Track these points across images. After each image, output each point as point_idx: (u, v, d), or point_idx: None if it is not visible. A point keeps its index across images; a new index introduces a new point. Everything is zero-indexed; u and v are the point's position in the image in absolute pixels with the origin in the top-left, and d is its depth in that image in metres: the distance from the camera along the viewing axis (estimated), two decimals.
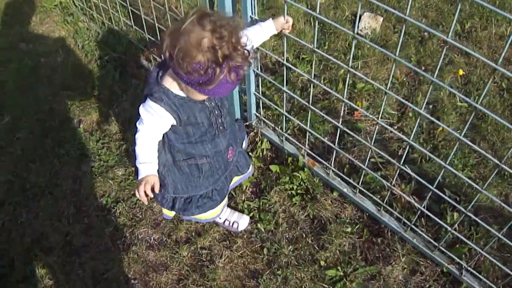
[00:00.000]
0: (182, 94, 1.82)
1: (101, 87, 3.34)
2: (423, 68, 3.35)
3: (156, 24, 2.89)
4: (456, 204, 2.13)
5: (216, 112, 1.98)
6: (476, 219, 2.10)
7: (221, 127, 2.04)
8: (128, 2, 3.13)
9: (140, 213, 2.72)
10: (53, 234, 2.69)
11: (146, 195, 1.89)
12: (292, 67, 2.40)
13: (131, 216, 2.71)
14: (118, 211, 2.73)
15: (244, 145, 2.45)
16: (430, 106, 3.09)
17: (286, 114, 2.62)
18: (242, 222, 2.61)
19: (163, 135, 1.99)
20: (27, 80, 3.50)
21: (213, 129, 2.01)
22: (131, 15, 3.23)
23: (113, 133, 3.10)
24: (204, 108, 1.92)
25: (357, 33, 3.39)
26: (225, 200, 2.42)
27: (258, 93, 2.69)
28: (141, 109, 1.88)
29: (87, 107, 3.25)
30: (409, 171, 2.30)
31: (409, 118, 3.00)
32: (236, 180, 2.47)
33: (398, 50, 1.77)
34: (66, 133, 3.11)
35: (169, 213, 2.40)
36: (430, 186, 2.11)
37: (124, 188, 2.82)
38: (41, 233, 2.70)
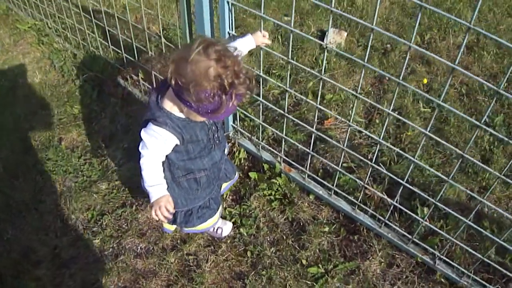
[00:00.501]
0: (183, 116, 1.94)
1: (79, 106, 3.43)
2: (387, 78, 3.55)
3: (134, 44, 3.03)
4: (427, 197, 2.31)
5: (213, 128, 2.12)
6: (446, 208, 2.29)
7: (217, 141, 2.18)
8: (105, 23, 3.25)
9: (125, 224, 2.82)
10: (40, 247, 2.75)
11: (165, 216, 2.00)
12: (267, 78, 2.56)
13: (117, 227, 2.81)
14: (104, 223, 2.82)
15: (226, 151, 2.59)
16: (396, 112, 3.28)
17: (262, 123, 2.77)
18: (225, 228, 2.73)
19: None
20: (5, 100, 3.57)
21: (210, 143, 2.14)
22: (108, 35, 3.34)
23: (94, 149, 3.19)
24: (203, 126, 2.05)
25: (323, 47, 3.60)
26: (221, 207, 2.55)
27: None
28: (144, 134, 1.97)
29: (67, 125, 3.33)
30: (381, 168, 2.48)
31: (376, 124, 3.19)
32: (224, 186, 2.61)
33: (366, 56, 1.93)
34: (48, 151, 3.18)
35: (170, 227, 2.53)
36: (402, 181, 2.29)
37: (109, 201, 2.92)
38: (28, 247, 2.76)
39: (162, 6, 4.22)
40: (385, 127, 2.19)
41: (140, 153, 2.01)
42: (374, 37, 3.94)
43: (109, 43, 3.37)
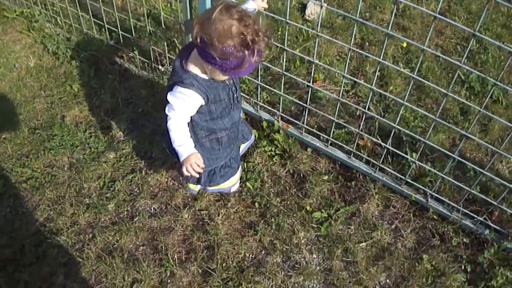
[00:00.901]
0: (206, 77, 2.12)
1: (78, 85, 3.56)
2: (367, 43, 3.80)
3: (132, 21, 3.19)
4: (417, 137, 2.55)
5: (233, 88, 2.30)
6: (434, 145, 2.53)
7: (236, 101, 2.36)
8: (100, 5, 3.40)
9: (137, 188, 3.00)
10: (58, 217, 2.88)
11: (196, 172, 2.17)
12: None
13: (129, 192, 2.98)
14: (116, 189, 2.98)
15: (241, 114, 2.78)
16: (378, 73, 3.53)
17: (261, 83, 2.98)
18: (236, 184, 2.91)
19: None
20: (2, 84, 3.67)
21: (230, 103, 2.32)
22: (104, 15, 3.49)
23: (97, 123, 3.34)
24: (225, 86, 2.23)
25: (305, 18, 3.83)
26: (240, 167, 2.75)
27: None
28: (171, 97, 2.14)
29: (68, 103, 3.47)
30: (372, 113, 2.71)
31: (359, 87, 3.43)
32: (243, 147, 2.81)
33: (358, 12, 2.14)
34: (53, 128, 3.31)
35: (195, 187, 2.72)
36: (393, 124, 2.54)
37: (118, 168, 3.08)
38: (46, 218, 2.90)
39: None
40: (374, 79, 2.41)
41: (167, 115, 2.17)
42: (352, 7, 4.18)
43: (105, 23, 3.51)
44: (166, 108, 2.18)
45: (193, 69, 2.11)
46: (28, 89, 3.62)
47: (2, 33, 4.13)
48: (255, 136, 2.97)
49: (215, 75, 2.08)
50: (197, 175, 2.22)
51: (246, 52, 1.87)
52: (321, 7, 2.42)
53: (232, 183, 2.73)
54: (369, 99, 2.62)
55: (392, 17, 2.16)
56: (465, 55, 2.12)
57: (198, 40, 1.89)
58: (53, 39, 3.84)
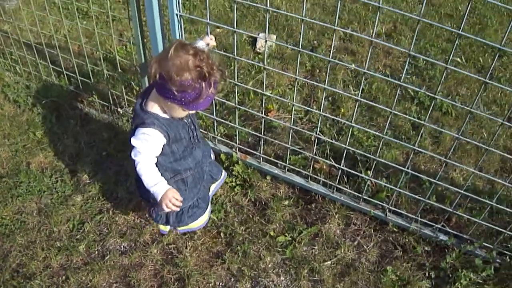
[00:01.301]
0: (166, 116, 2.24)
1: (41, 131, 3.64)
2: (317, 70, 3.97)
3: (89, 65, 3.31)
4: (368, 155, 2.71)
5: (191, 127, 2.42)
6: (387, 162, 2.68)
7: (196, 140, 2.50)
8: (58, 52, 3.51)
9: (105, 228, 3.08)
10: (30, 262, 2.93)
11: (176, 206, 2.24)
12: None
13: (98, 232, 3.06)
14: (86, 230, 3.06)
15: (212, 156, 2.89)
16: (330, 98, 3.70)
17: (217, 118, 3.11)
18: None
19: None
20: None
21: (191, 142, 2.45)
22: (61, 62, 3.60)
23: (63, 168, 3.42)
24: (184, 125, 2.35)
25: (256, 51, 3.99)
26: (209, 207, 2.86)
27: None
28: (134, 141, 2.23)
29: (32, 150, 3.54)
30: (325, 137, 2.86)
31: (313, 112, 3.58)
32: (213, 187, 2.92)
33: (300, 44, 2.30)
34: (19, 176, 3.37)
35: (165, 228, 2.81)
36: (344, 146, 2.69)
37: (86, 210, 3.16)
38: (18, 264, 2.94)
39: (100, 33, 4.45)
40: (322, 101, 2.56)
41: (134, 160, 2.26)
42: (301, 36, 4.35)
43: (63, 69, 3.61)
44: (132, 153, 2.27)
45: (153, 108, 2.23)
46: None
47: None
48: (226, 174, 3.07)
49: (174, 112, 2.20)
50: (177, 209, 2.29)
51: (203, 84, 2.02)
52: (266, 41, 2.56)
53: (201, 223, 2.82)
54: (319, 123, 2.78)
55: (333, 45, 2.30)
56: (405, 74, 2.27)
57: (157, 77, 2.03)
58: (13, 87, 3.92)
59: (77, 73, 3.53)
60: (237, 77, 3.84)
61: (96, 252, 2.97)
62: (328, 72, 2.46)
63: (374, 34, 2.18)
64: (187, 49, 2.01)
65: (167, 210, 2.23)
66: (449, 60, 2.07)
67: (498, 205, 2.62)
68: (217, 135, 3.24)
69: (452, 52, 2.07)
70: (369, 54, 2.31)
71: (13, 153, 3.57)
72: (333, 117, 2.83)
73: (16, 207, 3.23)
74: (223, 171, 2.99)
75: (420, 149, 2.60)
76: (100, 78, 3.60)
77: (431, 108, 2.39)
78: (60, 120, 3.70)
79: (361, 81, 3.74)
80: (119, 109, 3.48)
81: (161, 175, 2.33)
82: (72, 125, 3.64)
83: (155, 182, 2.26)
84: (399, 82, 2.26)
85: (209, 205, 2.87)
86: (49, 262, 2.94)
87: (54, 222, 3.11)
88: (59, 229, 3.08)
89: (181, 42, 2.05)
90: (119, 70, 3.35)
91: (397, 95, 2.41)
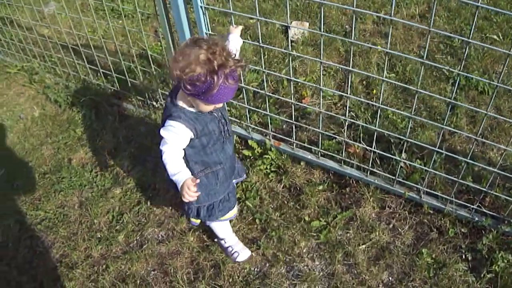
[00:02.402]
0: (194, 110, 2.27)
1: (81, 128, 3.76)
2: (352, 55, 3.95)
3: (124, 63, 3.39)
4: (400, 137, 2.68)
5: (222, 120, 2.43)
6: (418, 143, 2.65)
7: (227, 134, 2.49)
8: (93, 53, 3.61)
9: (144, 218, 3.15)
10: (72, 252, 3.05)
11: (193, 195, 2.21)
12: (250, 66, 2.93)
13: (136, 222, 3.14)
14: (125, 221, 3.14)
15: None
16: (364, 82, 3.68)
17: (250, 107, 3.14)
18: (243, 253, 2.90)
19: None
20: (10, 135, 3.88)
21: (222, 136, 2.45)
22: (97, 62, 3.70)
23: (102, 162, 3.52)
24: (213, 119, 2.36)
25: (291, 40, 4.00)
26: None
27: None
28: (162, 131, 2.26)
29: (73, 147, 3.66)
30: (358, 121, 2.85)
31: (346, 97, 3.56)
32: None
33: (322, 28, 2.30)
34: (61, 171, 3.49)
35: (196, 220, 2.84)
36: (377, 128, 2.67)
37: (125, 202, 3.24)
38: (61, 255, 3.06)
39: (133, 32, 4.53)
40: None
41: (161, 150, 2.29)
42: (334, 22, 4.35)
43: (99, 68, 3.71)
44: (161, 144, 2.30)
45: (182, 103, 2.27)
46: (35, 137, 3.81)
47: (6, 88, 4.34)
48: (246, 174, 3.09)
49: (199, 106, 2.21)
50: (195, 199, 2.25)
51: (215, 76, 2.01)
52: (289, 28, 2.57)
53: (230, 216, 2.82)
54: (347, 105, 2.75)
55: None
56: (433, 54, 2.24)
57: (174, 75, 2.05)
58: (54, 88, 4.05)
59: (113, 71, 3.61)
60: (267, 65, 3.87)
61: (135, 241, 3.04)
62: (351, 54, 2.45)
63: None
64: (199, 44, 2.03)
65: (185, 200, 2.21)
66: (470, 36, 2.03)
67: None
68: (251, 124, 3.25)
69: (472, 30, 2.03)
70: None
71: (55, 150, 3.69)
72: (366, 101, 2.81)
73: (58, 201, 3.35)
74: (245, 171, 3.02)
75: (452, 129, 2.56)
76: (136, 75, 3.67)
77: (456, 85, 2.34)
78: (98, 117, 3.80)
79: (395, 64, 3.75)
80: (154, 103, 3.55)
81: (191, 168, 2.38)
82: (111, 121, 3.74)
83: (176, 171, 2.26)
84: (421, 60, 2.23)
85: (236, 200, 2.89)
86: (90, 252, 3.04)
87: (94, 215, 3.21)
88: (99, 221, 3.17)
89: (194, 38, 2.07)
90: (154, 65, 3.42)
91: (422, 71, 2.36)
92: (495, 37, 4.07)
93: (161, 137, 2.26)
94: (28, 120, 3.96)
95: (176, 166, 2.27)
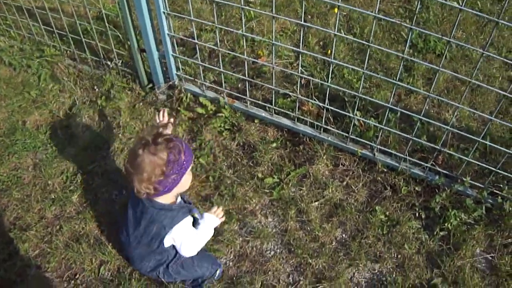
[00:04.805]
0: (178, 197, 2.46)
1: (36, 91, 3.69)
2: (309, 16, 3.93)
3: (79, 23, 3.34)
4: (354, 93, 2.69)
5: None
6: (371, 99, 2.66)
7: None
8: (48, 14, 3.54)
9: (97, 177, 3.13)
10: (26, 214, 3.01)
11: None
12: (203, 21, 2.90)
13: (90, 182, 3.11)
14: (78, 181, 3.11)
15: None
16: (321, 42, 3.68)
17: (204, 64, 3.11)
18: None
19: None
20: None
21: None
22: (53, 24, 3.63)
23: (57, 123, 3.47)
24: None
25: (248, 0, 3.97)
26: None
27: (176, 53, 3.16)
28: (178, 238, 2.41)
29: (28, 110, 3.59)
30: (311, 78, 2.84)
31: (304, 55, 3.56)
32: None
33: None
34: (15, 134, 3.43)
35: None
36: (331, 85, 2.66)
37: (79, 162, 3.21)
38: (15, 217, 3.02)
39: None
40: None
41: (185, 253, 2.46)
42: None
43: (54, 29, 3.64)
44: (183, 252, 2.46)
45: (167, 201, 2.40)
46: None
47: None
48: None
49: (182, 187, 2.38)
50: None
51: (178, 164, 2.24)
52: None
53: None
54: (300, 60, 2.74)
55: None
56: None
57: (143, 188, 2.24)
58: (8, 51, 3.96)
59: (69, 32, 3.54)
60: (224, 25, 3.83)
61: (88, 201, 3.02)
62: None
63: None
64: (147, 150, 2.22)
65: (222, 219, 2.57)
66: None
67: (489, 143, 2.58)
68: (206, 82, 3.23)
69: None
70: None
71: (9, 113, 3.62)
72: (320, 56, 2.81)
73: (12, 164, 3.30)
74: None
75: (406, 85, 2.57)
76: (92, 36, 3.60)
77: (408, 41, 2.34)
78: (54, 79, 3.74)
79: (353, 25, 3.74)
80: (109, 63, 3.50)
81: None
82: (66, 83, 3.68)
83: (203, 229, 2.51)
84: (375, 15, 2.21)
85: None
86: (44, 213, 3.01)
87: (48, 176, 3.17)
88: (53, 182, 3.14)
89: (139, 146, 2.26)
90: (110, 25, 3.37)
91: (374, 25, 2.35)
92: (454, 3, 4.07)
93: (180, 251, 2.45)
94: None
95: (202, 230, 2.52)
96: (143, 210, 2.40)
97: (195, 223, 2.50)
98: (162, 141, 2.18)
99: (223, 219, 2.57)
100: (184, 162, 2.24)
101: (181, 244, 2.40)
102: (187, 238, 2.39)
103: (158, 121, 2.69)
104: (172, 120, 2.71)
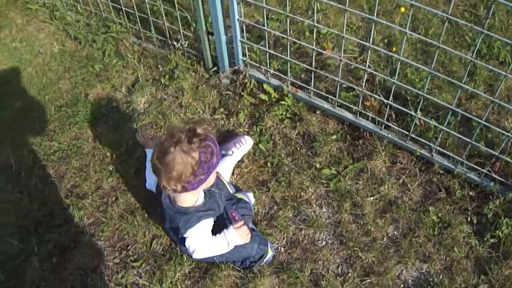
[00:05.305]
0: (200, 201, 2.40)
1: (100, 65, 3.76)
2: (373, 15, 3.92)
3: (147, 2, 3.39)
4: (417, 91, 2.68)
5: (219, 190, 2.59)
6: (433, 98, 2.65)
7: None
8: None
9: None
10: (83, 183, 3.09)
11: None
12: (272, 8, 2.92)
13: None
14: (136, 156, 3.16)
15: None
16: (385, 40, 3.67)
17: (270, 51, 3.13)
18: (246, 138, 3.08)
19: None
20: (28, 69, 3.88)
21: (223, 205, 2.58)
22: (121, 1, 3.70)
23: (119, 98, 3.53)
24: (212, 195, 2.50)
25: None
26: None
27: (244, 38, 3.19)
28: (191, 243, 2.38)
29: (91, 83, 3.67)
30: (376, 72, 2.85)
31: (367, 53, 3.53)
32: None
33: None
34: (77, 105, 3.51)
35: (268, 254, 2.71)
36: (393, 80, 2.67)
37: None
38: (72, 185, 3.10)
39: None
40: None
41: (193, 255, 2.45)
42: None
43: (122, 6, 3.71)
44: (191, 253, 2.44)
45: (187, 204, 2.38)
46: (53, 72, 3.81)
47: (26, 23, 4.32)
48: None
49: (205, 185, 2.34)
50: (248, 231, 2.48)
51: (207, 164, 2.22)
52: None
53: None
54: (369, 56, 2.74)
55: None
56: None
57: (172, 186, 2.19)
58: (75, 25, 4.04)
59: (136, 10, 3.60)
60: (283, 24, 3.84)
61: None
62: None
63: None
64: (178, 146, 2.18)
65: (248, 238, 2.45)
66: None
67: None
68: (270, 69, 3.25)
69: None
70: None
71: (73, 85, 3.70)
72: (386, 51, 2.80)
73: (73, 134, 3.38)
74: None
75: (470, 88, 2.55)
76: (160, 15, 3.66)
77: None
78: (118, 55, 3.80)
79: (418, 26, 3.72)
80: (175, 43, 3.55)
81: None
82: (130, 59, 3.74)
83: (223, 240, 2.43)
84: (446, 15, 2.21)
85: None
86: (101, 184, 3.08)
87: (107, 147, 3.24)
88: (112, 154, 3.21)
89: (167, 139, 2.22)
90: (177, 6, 3.41)
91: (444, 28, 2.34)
92: None
93: (189, 247, 2.41)
94: (47, 55, 3.95)
95: (219, 241, 2.43)
96: (164, 207, 2.44)
97: (222, 229, 2.46)
98: (197, 140, 2.13)
99: (247, 240, 2.45)
100: (215, 163, 2.23)
101: (189, 247, 2.38)
102: (199, 243, 2.36)
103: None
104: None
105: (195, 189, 2.25)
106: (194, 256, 2.42)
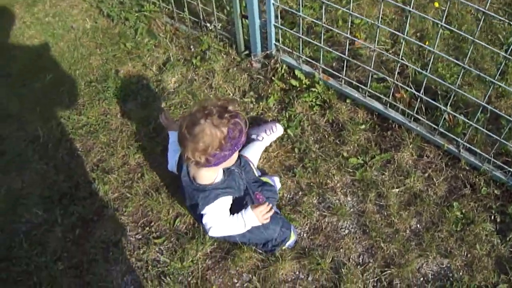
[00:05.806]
0: (219, 178, 2.40)
1: (131, 43, 3.77)
2: (408, 6, 3.89)
3: None
4: (449, 85, 2.66)
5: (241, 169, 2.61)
6: (465, 93, 2.63)
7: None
8: None
9: None
10: (110, 158, 3.12)
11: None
12: None
13: None
14: (164, 134, 3.16)
15: None
16: (418, 34, 3.65)
17: (303, 37, 3.13)
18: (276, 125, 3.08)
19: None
20: (61, 44, 3.91)
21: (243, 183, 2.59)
22: None
23: (149, 77, 3.55)
24: (231, 173, 2.49)
25: None
26: None
27: (278, 23, 3.19)
28: (208, 220, 2.38)
29: (122, 60, 3.68)
30: (410, 64, 2.83)
31: (399, 45, 3.53)
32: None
33: None
34: (107, 81, 3.53)
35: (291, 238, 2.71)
36: (425, 73, 2.65)
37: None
38: (99, 159, 3.14)
39: None
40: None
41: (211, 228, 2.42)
42: None
43: None
44: (208, 229, 2.42)
45: (206, 181, 2.37)
46: (84, 47, 3.84)
47: None
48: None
49: (226, 164, 2.35)
50: (270, 212, 2.44)
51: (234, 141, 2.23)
52: None
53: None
54: (402, 47, 2.72)
55: None
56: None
57: (198, 158, 2.20)
58: (108, 3, 4.06)
59: None
60: (316, 12, 3.84)
61: None
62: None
63: None
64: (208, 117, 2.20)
65: (266, 219, 2.42)
66: None
67: None
68: (302, 56, 3.25)
69: None
70: None
71: (104, 61, 3.72)
72: (420, 43, 2.79)
73: (102, 109, 3.41)
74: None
75: (502, 84, 2.53)
76: None
77: None
78: (150, 34, 3.81)
79: (451, 21, 3.70)
80: (208, 25, 3.55)
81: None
82: (162, 39, 3.75)
83: (241, 220, 2.42)
84: (482, 9, 2.19)
85: None
86: (127, 159, 3.11)
87: (135, 124, 3.26)
88: (140, 131, 3.23)
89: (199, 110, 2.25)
90: None
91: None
92: None
93: (206, 224, 2.40)
94: (79, 31, 3.98)
95: (236, 223, 2.42)
96: (183, 185, 2.46)
97: (242, 208, 2.45)
98: (227, 116, 2.15)
99: (267, 221, 2.42)
100: (242, 142, 2.25)
101: (206, 223, 2.38)
102: (216, 220, 2.36)
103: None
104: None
105: (217, 165, 2.26)
106: (210, 233, 2.41)
